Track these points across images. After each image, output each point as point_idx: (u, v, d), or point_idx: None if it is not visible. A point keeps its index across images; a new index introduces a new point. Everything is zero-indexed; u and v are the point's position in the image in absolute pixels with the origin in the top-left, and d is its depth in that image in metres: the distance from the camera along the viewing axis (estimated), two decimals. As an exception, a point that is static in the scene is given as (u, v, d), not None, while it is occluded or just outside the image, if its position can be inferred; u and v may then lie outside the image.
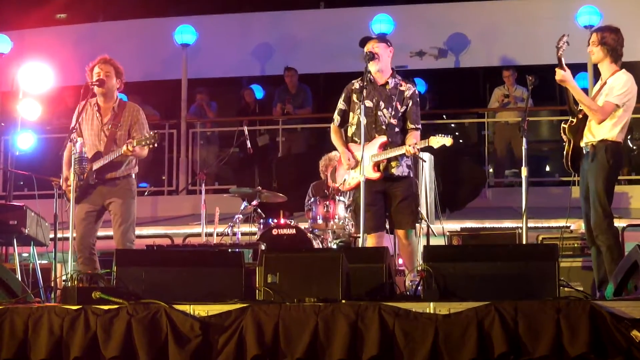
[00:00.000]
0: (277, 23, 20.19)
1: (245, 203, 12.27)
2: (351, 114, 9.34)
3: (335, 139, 9.55)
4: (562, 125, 9.14)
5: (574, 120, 8.92)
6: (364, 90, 9.05)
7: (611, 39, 8.80)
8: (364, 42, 9.36)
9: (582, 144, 8.81)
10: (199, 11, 19.99)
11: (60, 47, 17.95)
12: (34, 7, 19.93)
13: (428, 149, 9.45)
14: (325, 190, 11.62)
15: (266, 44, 20.08)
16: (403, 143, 9.13)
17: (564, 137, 9.07)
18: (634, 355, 6.03)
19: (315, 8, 20.75)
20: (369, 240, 9.09)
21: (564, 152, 9.08)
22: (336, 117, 9.48)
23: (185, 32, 18.40)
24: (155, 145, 9.33)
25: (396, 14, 18.09)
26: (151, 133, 9.32)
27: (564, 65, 8.78)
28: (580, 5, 16.97)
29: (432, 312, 6.38)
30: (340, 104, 9.44)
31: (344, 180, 9.44)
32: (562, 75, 8.73)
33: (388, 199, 9.26)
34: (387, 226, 9.41)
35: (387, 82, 9.32)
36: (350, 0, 20.84)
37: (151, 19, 20.21)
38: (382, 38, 9.63)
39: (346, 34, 18.02)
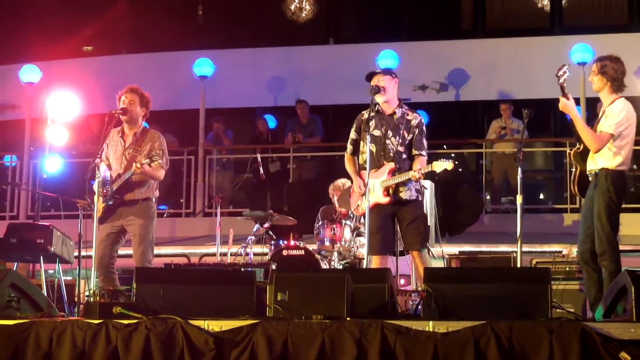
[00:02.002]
0: (289, 57, 20.27)
1: (257, 225, 12.26)
2: (362, 143, 9.33)
3: (348, 167, 9.57)
4: (568, 151, 9.13)
5: (580, 146, 8.88)
6: (371, 121, 9.10)
7: (611, 68, 8.68)
8: (370, 76, 9.36)
9: (587, 171, 8.79)
10: (217, 45, 20.06)
11: (86, 77, 18.01)
12: (62, 40, 20.01)
13: (430, 175, 9.46)
14: (333, 215, 11.62)
15: (279, 77, 20.16)
16: (411, 169, 9.10)
17: (573, 162, 9.05)
18: (622, 376, 6.02)
19: (325, 44, 20.83)
20: (374, 261, 9.10)
21: (573, 176, 9.06)
22: (349, 147, 9.48)
23: (203, 65, 18.44)
24: (159, 161, 9.27)
25: (401, 50, 18.13)
26: (159, 152, 9.32)
27: (567, 93, 8.73)
28: (573, 43, 17.00)
29: (431, 330, 6.36)
30: (352, 134, 9.45)
31: (358, 205, 9.43)
32: (565, 103, 8.68)
33: (398, 221, 9.27)
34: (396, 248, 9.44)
35: (394, 112, 9.31)
36: (357, 37, 20.92)
37: (171, 52, 20.29)
38: (387, 71, 9.59)
39: (354, 68, 18.04)
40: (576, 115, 8.75)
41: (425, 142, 9.34)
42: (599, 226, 8.52)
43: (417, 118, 9.35)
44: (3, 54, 20.35)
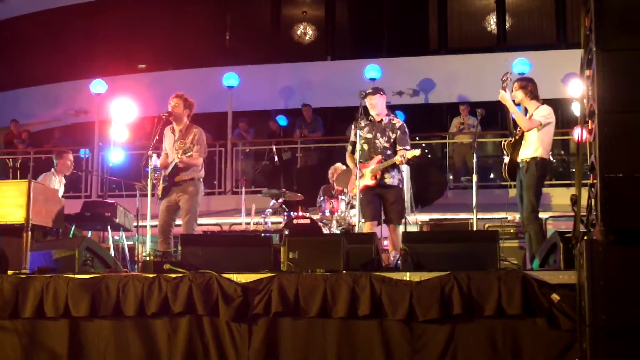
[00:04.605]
0: (297, 71, 20.25)
1: (273, 201, 12.27)
2: (358, 143, 9.44)
3: (349, 161, 9.72)
4: (503, 142, 9.16)
5: (512, 139, 8.93)
6: (365, 127, 9.45)
7: (528, 85, 8.91)
8: (365, 94, 9.57)
9: (519, 159, 8.81)
10: (241, 62, 20.01)
11: (141, 88, 17.96)
12: (122, 60, 20.01)
13: (407, 161, 9.52)
14: (332, 192, 11.63)
15: (289, 86, 20.14)
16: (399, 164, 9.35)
17: (504, 151, 9.08)
18: (553, 313, 6.04)
19: (324, 60, 20.80)
20: (366, 226, 9.28)
21: (503, 164, 9.09)
22: (349, 147, 9.65)
23: (230, 78, 18.42)
24: (191, 153, 9.34)
25: (383, 64, 18.10)
26: (190, 146, 9.41)
27: (505, 87, 8.82)
28: (515, 57, 17.00)
29: (408, 279, 6.37)
30: (352, 137, 9.60)
31: (353, 187, 9.54)
32: (503, 95, 8.82)
33: (383, 201, 9.40)
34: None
35: (382, 120, 9.50)
36: (349, 55, 20.88)
37: (205, 68, 20.24)
38: (376, 90, 9.71)
39: (346, 79, 18.16)
40: (511, 103, 8.88)
41: (408, 139, 9.49)
42: (527, 200, 8.61)
43: (400, 122, 9.55)
44: (77, 71, 20.36)
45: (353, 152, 9.57)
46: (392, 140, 9.43)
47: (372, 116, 9.53)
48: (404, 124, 9.55)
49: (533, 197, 8.60)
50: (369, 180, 9.32)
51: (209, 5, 21.74)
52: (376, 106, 9.48)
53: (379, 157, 9.34)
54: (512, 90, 8.97)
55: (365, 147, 9.41)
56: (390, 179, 9.35)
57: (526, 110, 8.99)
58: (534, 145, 8.68)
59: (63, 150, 11.73)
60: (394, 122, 9.52)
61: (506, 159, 9.02)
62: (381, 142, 9.42)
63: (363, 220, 9.50)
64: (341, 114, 17.87)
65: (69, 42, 20.98)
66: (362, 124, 9.49)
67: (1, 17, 22.65)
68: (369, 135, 9.44)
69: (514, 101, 8.94)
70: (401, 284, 6.34)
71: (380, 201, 9.39)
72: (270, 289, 6.50)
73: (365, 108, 9.59)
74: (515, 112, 8.87)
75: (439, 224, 12.68)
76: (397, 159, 9.22)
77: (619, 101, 5.58)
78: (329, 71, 20.02)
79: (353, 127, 9.56)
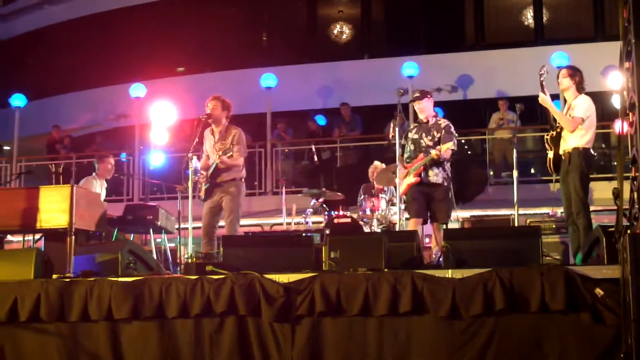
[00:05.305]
0: (334, 70, 20.26)
1: (314, 200, 12.29)
2: (406, 145, 9.70)
3: (398, 163, 9.71)
4: (545, 137, 9.12)
5: (554, 133, 8.88)
6: (413, 130, 9.72)
7: (577, 75, 8.81)
8: (413, 99, 9.81)
9: (561, 152, 8.76)
10: (278, 63, 20.06)
11: (180, 91, 18.07)
12: (161, 63, 20.14)
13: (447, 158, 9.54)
14: (372, 190, 11.63)
15: (326, 85, 20.15)
16: (437, 158, 9.37)
17: (546, 146, 9.02)
18: (597, 308, 5.99)
19: (361, 59, 20.79)
20: (411, 223, 9.45)
21: (547, 159, 9.03)
22: (399, 150, 9.65)
23: (268, 79, 18.43)
24: (231, 154, 9.41)
25: (420, 61, 18.00)
26: (230, 147, 9.47)
27: (545, 89, 8.77)
28: (553, 51, 16.87)
29: (450, 277, 6.35)
30: (402, 141, 9.71)
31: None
32: (543, 97, 8.76)
33: (430, 199, 9.48)
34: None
35: (428, 121, 9.67)
36: (386, 52, 20.84)
37: (243, 70, 20.31)
38: (423, 94, 9.77)
39: (384, 77, 18.11)
40: (552, 105, 8.82)
41: (452, 138, 9.48)
42: (574, 193, 8.53)
43: (445, 122, 9.65)
44: (117, 76, 20.54)
45: (403, 154, 9.73)
46: (436, 139, 9.51)
47: (420, 119, 9.73)
48: (450, 124, 9.63)
49: (580, 189, 8.53)
50: (411, 179, 9.43)
51: (245, 6, 21.83)
52: (424, 110, 9.67)
53: (422, 155, 9.46)
54: (558, 78, 8.90)
55: (412, 147, 9.61)
56: (435, 177, 9.40)
57: (564, 100, 8.94)
58: (577, 135, 8.61)
59: (104, 155, 11.85)
60: (439, 122, 9.64)
61: (550, 154, 8.96)
62: (425, 141, 9.54)
63: (405, 217, 9.52)
64: (379, 112, 17.81)
65: (107, 47, 21.21)
66: (412, 126, 9.78)
67: (42, 24, 22.96)
68: (415, 136, 9.64)
69: (553, 95, 8.88)
70: (443, 282, 6.32)
71: (426, 199, 9.43)
72: (312, 288, 6.50)
73: (404, 105, 9.62)
74: (556, 113, 8.82)
75: (480, 220, 12.61)
76: (434, 152, 9.27)
77: (660, 93, 5.53)
78: (366, 70, 20.02)
79: (392, 125, 9.60)
